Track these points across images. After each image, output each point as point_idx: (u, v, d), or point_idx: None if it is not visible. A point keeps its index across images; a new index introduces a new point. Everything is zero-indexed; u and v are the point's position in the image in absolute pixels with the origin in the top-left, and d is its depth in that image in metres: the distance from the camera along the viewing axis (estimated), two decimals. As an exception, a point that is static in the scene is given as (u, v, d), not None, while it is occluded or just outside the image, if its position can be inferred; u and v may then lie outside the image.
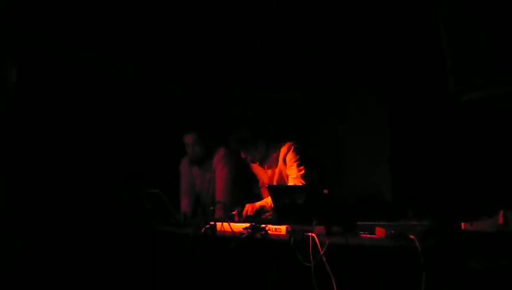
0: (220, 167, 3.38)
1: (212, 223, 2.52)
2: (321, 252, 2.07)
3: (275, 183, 3.12)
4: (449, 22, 2.25)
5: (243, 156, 3.16)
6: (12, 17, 3.01)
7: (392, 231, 1.99)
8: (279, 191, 2.72)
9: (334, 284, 2.02)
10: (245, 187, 3.45)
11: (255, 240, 2.34)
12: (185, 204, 3.49)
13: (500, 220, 1.76)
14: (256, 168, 3.31)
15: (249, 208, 2.91)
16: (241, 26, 3.61)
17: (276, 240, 2.29)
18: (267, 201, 2.95)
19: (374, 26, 3.20)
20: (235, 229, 2.42)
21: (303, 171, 3.00)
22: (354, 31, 3.32)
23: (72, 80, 3.41)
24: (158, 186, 2.86)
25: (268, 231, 2.31)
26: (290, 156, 3.07)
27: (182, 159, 3.58)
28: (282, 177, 3.13)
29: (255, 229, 2.34)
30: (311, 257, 2.09)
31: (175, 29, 3.62)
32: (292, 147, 3.08)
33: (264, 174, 3.27)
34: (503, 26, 2.04)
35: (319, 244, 2.09)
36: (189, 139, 3.34)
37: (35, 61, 3.20)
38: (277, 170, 3.15)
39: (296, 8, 3.34)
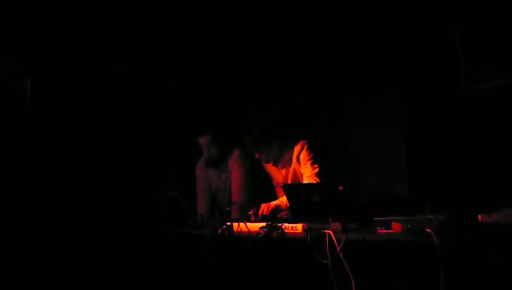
0: (235, 168, 3.40)
1: (228, 223, 2.54)
2: (338, 249, 2.07)
3: (289, 183, 3.14)
4: (459, 17, 2.24)
5: (256, 156, 3.18)
6: (13, 17, 3.04)
7: (409, 226, 1.99)
8: (294, 189, 2.74)
9: (352, 280, 2.02)
10: (260, 187, 3.46)
11: (271, 239, 2.35)
12: (202, 206, 3.52)
13: (518, 211, 1.74)
14: (270, 168, 3.33)
15: (264, 208, 2.92)
16: (249, 26, 3.62)
17: (293, 239, 2.30)
18: (283, 200, 2.96)
19: (385, 26, 3.19)
20: (252, 229, 2.44)
21: (317, 169, 3.01)
22: (366, 30, 3.31)
23: (72, 80, 3.42)
24: (166, 188, 2.89)
25: (285, 230, 2.33)
26: (304, 155, 3.07)
27: (198, 161, 3.61)
28: (297, 176, 3.14)
29: (271, 228, 2.35)
30: (328, 254, 2.10)
31: (177, 29, 3.64)
32: (305, 146, 3.09)
33: (278, 174, 3.28)
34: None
35: (335, 241, 2.09)
36: (203, 141, 3.37)
37: (35, 61, 3.23)
38: (291, 169, 3.16)
39: (307, 9, 3.34)
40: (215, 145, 3.37)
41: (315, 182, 2.96)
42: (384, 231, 2.11)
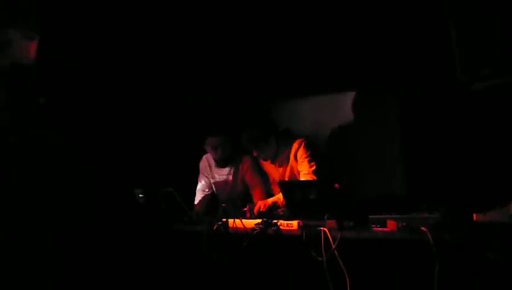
0: (249, 175, 3.43)
1: (224, 220, 2.54)
2: (333, 246, 2.08)
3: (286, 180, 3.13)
4: (456, 11, 2.24)
5: (255, 154, 3.18)
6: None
7: (404, 224, 1.99)
8: (291, 186, 2.74)
9: (347, 277, 2.03)
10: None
11: (267, 235, 2.35)
12: (200, 201, 3.53)
13: (512, 209, 1.75)
14: (267, 166, 3.32)
15: (261, 205, 2.92)
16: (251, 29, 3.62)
17: (289, 236, 2.30)
18: (279, 197, 2.96)
19: (379, 25, 3.18)
20: (247, 226, 2.44)
21: (314, 167, 3.01)
22: (364, 31, 3.31)
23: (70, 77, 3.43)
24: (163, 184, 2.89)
25: (280, 227, 2.33)
26: (301, 152, 3.07)
27: (203, 156, 3.61)
28: (294, 174, 3.14)
29: (267, 225, 2.35)
30: (323, 251, 2.10)
31: (178, 26, 3.63)
32: (303, 143, 3.09)
33: (275, 172, 3.28)
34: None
35: (331, 239, 2.10)
36: (214, 141, 3.37)
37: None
38: (288, 167, 3.16)
39: (306, 10, 3.34)
40: (224, 146, 3.37)
41: (312, 179, 2.95)
42: (380, 229, 2.11)
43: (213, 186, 3.57)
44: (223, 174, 3.50)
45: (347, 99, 3.82)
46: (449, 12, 2.26)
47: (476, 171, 2.75)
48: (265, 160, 3.23)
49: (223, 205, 2.90)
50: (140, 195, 2.97)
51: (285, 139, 3.17)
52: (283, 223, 2.33)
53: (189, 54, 3.91)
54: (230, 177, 3.48)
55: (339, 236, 2.09)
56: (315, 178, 2.95)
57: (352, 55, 3.49)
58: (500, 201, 1.84)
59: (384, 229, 2.09)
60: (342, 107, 3.84)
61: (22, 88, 3.01)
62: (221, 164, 3.46)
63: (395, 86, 3.40)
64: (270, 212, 2.85)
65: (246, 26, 3.60)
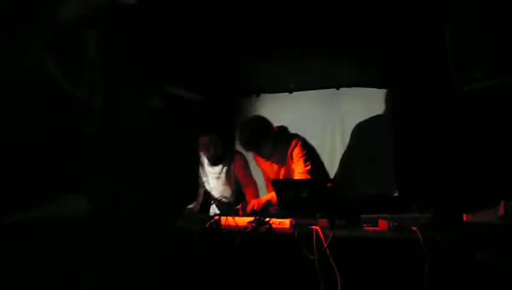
0: (241, 175, 3.44)
1: (216, 217, 2.55)
2: (325, 245, 2.09)
3: (281, 179, 3.14)
4: (450, 12, 2.26)
5: (254, 154, 3.19)
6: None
7: (395, 223, 2.01)
8: (283, 185, 2.75)
9: (338, 276, 2.04)
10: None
11: (259, 234, 2.36)
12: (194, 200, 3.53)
13: (501, 211, 1.77)
14: (262, 163, 3.33)
15: (254, 203, 2.92)
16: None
17: (281, 234, 2.30)
18: (273, 195, 2.96)
19: (375, 25, 3.19)
20: (240, 224, 2.44)
21: (309, 166, 3.01)
22: (357, 28, 3.32)
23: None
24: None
25: (272, 225, 2.33)
26: (297, 151, 3.07)
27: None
28: (289, 173, 3.15)
29: (259, 223, 2.35)
30: (315, 249, 2.11)
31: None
32: (299, 142, 3.09)
33: (270, 170, 3.28)
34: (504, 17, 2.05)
35: (322, 237, 2.11)
36: (206, 140, 3.38)
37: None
38: (284, 165, 3.16)
39: (305, 9, 3.34)
40: (217, 145, 3.38)
41: (305, 178, 2.96)
42: (371, 228, 2.13)
43: (206, 184, 3.58)
44: (215, 172, 3.51)
45: (341, 98, 3.84)
46: (444, 14, 2.28)
47: (466, 172, 2.78)
48: (265, 158, 3.22)
49: (216, 203, 2.90)
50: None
51: (282, 137, 3.17)
52: (275, 222, 2.33)
53: (180, 51, 3.89)
54: (223, 176, 3.49)
55: (330, 235, 2.09)
56: (309, 177, 2.96)
57: (349, 54, 3.50)
58: (489, 202, 1.86)
59: (376, 228, 2.11)
60: (335, 107, 3.86)
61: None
62: (213, 162, 3.47)
63: (388, 87, 3.43)
64: (264, 211, 2.86)
65: (240, 24, 3.60)
